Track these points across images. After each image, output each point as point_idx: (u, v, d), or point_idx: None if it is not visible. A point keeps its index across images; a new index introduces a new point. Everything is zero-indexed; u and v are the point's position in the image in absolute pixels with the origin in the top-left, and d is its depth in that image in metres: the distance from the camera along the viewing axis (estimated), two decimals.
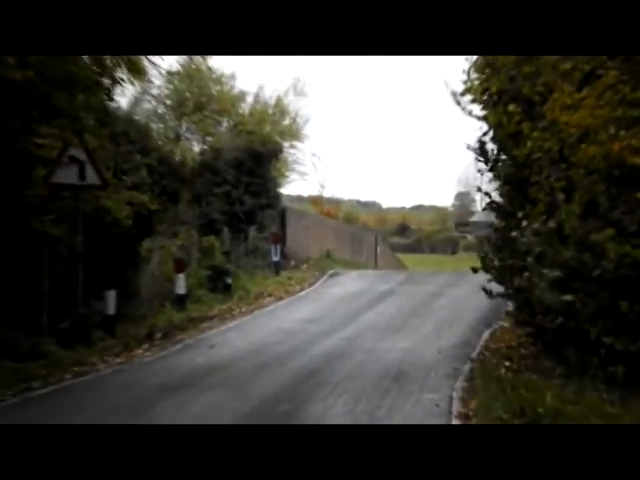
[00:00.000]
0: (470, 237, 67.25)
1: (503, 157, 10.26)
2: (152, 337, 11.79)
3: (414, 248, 65.79)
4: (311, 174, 61.64)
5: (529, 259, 8.66)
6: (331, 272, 21.45)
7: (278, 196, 22.08)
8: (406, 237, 71.81)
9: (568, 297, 8.02)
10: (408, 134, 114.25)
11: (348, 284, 18.95)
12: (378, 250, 32.12)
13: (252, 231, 19.68)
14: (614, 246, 7.66)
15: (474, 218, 70.81)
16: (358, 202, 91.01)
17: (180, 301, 14.01)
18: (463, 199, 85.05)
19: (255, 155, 20.49)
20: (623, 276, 7.81)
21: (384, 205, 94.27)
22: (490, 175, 10.59)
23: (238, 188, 20.18)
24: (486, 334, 12.10)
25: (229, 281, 16.11)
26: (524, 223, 9.09)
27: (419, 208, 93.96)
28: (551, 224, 8.34)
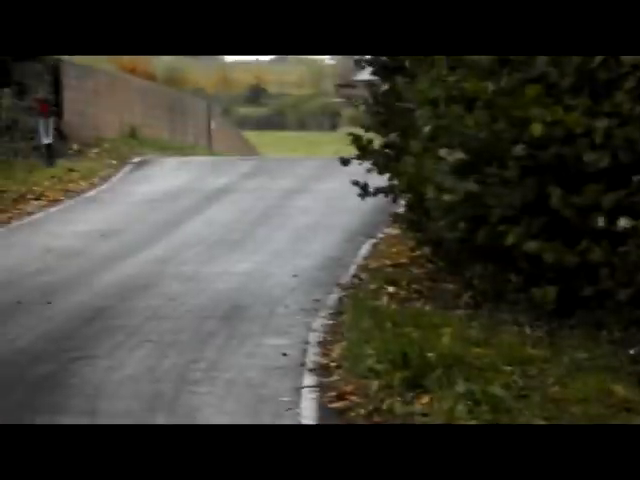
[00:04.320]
0: (360, 105, 68.20)
1: None
2: None
3: (274, 123, 66.06)
4: None
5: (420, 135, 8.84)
6: (137, 160, 21.33)
7: None
8: (261, 106, 71.92)
9: (473, 186, 8.22)
10: None
11: (164, 178, 19.00)
12: (213, 126, 32.00)
13: (6, 96, 19.18)
14: (540, 110, 7.88)
15: (362, 75, 71.43)
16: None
17: None
18: None
19: None
20: (554, 155, 8.10)
21: (227, 58, 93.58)
22: None
23: None
24: (366, 247, 12.53)
25: None
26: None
27: (281, 61, 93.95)
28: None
